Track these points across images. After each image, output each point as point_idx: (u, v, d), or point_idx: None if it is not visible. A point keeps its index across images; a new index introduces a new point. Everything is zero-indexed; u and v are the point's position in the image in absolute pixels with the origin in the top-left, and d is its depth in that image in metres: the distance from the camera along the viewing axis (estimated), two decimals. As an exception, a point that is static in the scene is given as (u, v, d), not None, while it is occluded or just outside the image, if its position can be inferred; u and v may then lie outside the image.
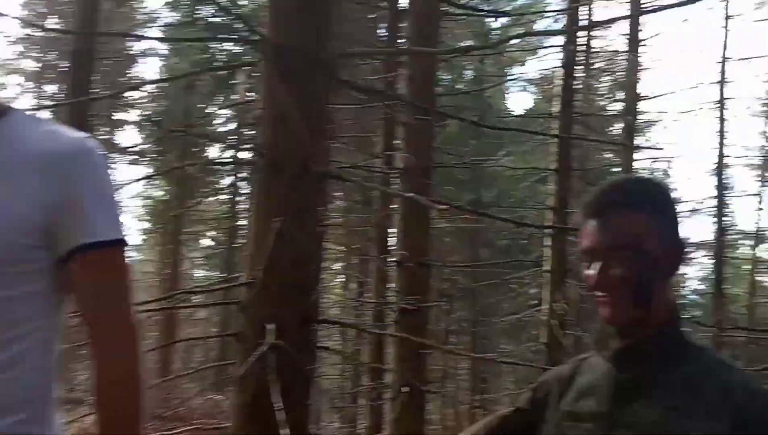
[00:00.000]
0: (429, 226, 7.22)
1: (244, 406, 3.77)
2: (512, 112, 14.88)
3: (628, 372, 1.37)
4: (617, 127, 13.15)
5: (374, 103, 6.18)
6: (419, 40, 6.06)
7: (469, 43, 10.76)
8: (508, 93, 16.69)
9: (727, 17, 13.53)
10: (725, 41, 13.61)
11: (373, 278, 10.01)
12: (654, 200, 1.38)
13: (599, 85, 11.97)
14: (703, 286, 23.03)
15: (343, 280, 17.79)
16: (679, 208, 1.52)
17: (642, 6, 9.46)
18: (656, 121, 15.02)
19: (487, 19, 11.50)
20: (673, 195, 1.50)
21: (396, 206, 7.05)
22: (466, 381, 19.88)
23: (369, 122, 10.22)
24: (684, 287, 24.04)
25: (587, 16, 9.37)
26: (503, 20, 11.06)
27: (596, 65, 11.89)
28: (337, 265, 16.81)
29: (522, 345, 12.91)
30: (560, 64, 8.62)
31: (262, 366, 3.62)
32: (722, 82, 13.68)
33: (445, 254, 17.06)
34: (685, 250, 1.42)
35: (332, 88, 3.87)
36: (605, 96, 11.98)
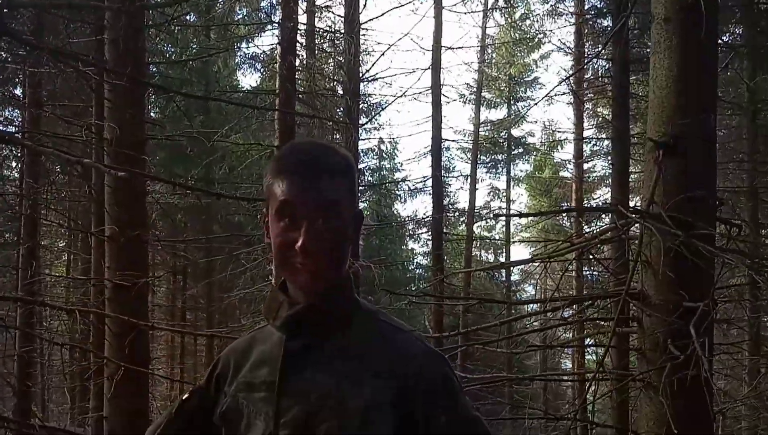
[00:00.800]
0: (143, 200, 7.07)
1: None
2: (241, 88, 14.98)
3: (298, 340, 1.36)
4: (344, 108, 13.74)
5: (82, 69, 5.82)
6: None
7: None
8: (238, 69, 16.70)
9: (440, 7, 14.70)
10: (437, 30, 14.75)
11: (93, 255, 9.53)
12: (346, 168, 1.38)
13: (324, 66, 12.43)
14: (425, 261, 24.95)
15: (66, 259, 16.74)
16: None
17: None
18: (379, 103, 15.99)
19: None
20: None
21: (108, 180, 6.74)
22: (203, 356, 19.78)
23: (86, 91, 9.65)
24: (410, 261, 25.97)
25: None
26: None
27: (321, 46, 12.33)
28: (61, 244, 15.75)
29: (253, 318, 13.09)
30: (278, 42, 8.81)
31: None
32: (435, 68, 14.83)
33: (179, 231, 16.76)
34: (362, 217, 1.45)
35: None
36: (330, 78, 12.45)
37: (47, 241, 15.06)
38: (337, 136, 13.38)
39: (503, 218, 23.28)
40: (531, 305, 12.21)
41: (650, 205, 4.00)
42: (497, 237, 25.92)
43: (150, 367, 8.37)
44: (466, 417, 1.34)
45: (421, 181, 19.20)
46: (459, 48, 19.76)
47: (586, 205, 19.09)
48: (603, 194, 21.04)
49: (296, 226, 1.31)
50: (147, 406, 6.79)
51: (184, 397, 1.51)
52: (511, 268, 21.96)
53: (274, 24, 9.85)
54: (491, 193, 25.37)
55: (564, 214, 20.65)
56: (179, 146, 14.24)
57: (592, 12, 13.64)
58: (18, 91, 11.52)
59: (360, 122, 12.73)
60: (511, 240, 24.47)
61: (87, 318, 6.75)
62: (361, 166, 16.52)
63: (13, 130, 11.39)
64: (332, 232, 1.32)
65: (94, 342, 8.76)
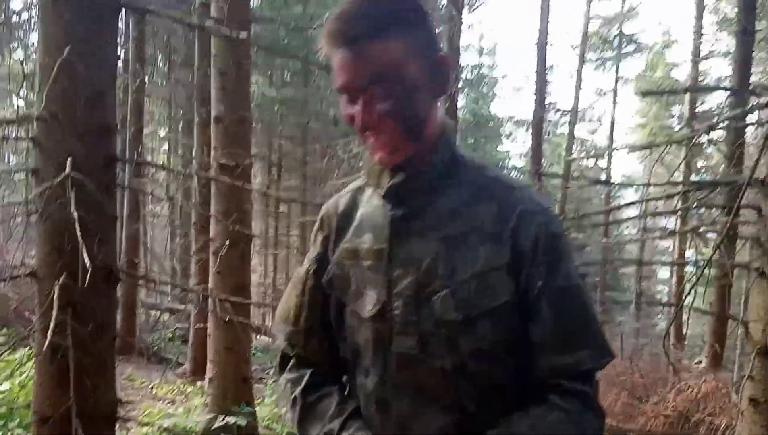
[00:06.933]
0: (247, 84, 7.13)
1: (47, 241, 3.67)
2: (340, -23, 14.62)
3: (402, 208, 1.29)
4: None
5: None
6: None
7: None
8: (338, -44, 16.31)
9: None
10: None
11: (197, 137, 9.79)
12: (406, 19, 1.19)
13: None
14: (521, 163, 24.50)
15: (167, 148, 17.32)
16: (432, 22, 1.24)
17: None
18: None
19: None
20: (422, 6, 1.22)
21: (214, 61, 6.82)
22: (296, 247, 20.44)
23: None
24: (506, 162, 25.57)
25: None
26: None
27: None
28: (162, 133, 16.28)
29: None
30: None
31: (61, 202, 3.54)
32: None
33: (274, 124, 17.01)
34: (449, 62, 1.26)
35: None
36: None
37: (149, 129, 15.59)
38: (438, 30, 12.98)
39: (607, 123, 22.44)
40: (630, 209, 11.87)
41: (780, 85, 3.78)
42: (599, 140, 25.02)
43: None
44: (564, 284, 1.21)
45: (523, 79, 18.59)
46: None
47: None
48: (719, 96, 19.89)
49: (355, 102, 1.20)
50: (249, 280, 7.03)
51: (308, 270, 1.44)
52: (612, 165, 21.03)
53: None
54: (597, 93, 24.23)
55: (676, 94, 19.24)
56: (277, 39, 14.25)
57: None
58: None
59: (462, 13, 12.28)
60: (615, 140, 23.35)
61: (192, 197, 6.97)
62: (460, 62, 16.04)
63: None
64: (394, 99, 1.18)
65: (198, 221, 9.11)
